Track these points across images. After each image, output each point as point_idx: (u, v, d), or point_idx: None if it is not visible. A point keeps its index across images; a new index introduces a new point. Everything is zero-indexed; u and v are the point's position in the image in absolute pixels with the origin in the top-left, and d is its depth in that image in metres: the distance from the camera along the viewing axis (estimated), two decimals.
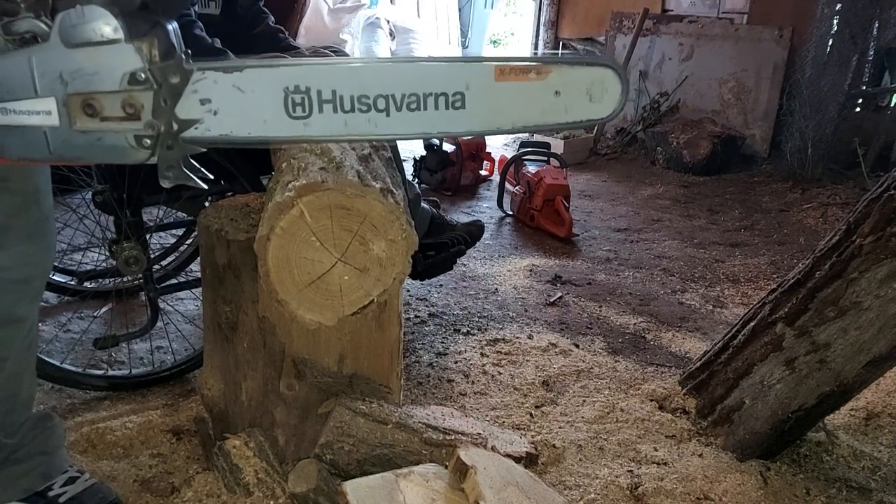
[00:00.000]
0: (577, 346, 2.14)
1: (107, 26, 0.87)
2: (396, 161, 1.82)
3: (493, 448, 1.34)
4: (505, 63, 0.99)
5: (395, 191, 1.21)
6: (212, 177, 1.02)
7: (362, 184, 1.10)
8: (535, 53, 6.11)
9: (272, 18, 1.90)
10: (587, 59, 1.05)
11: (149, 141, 0.93)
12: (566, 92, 1.00)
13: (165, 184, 0.98)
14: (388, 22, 5.67)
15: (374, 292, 1.17)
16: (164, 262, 2.17)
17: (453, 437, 1.32)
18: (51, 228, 1.14)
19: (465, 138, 4.23)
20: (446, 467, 1.20)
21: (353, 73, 0.98)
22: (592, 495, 1.41)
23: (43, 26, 0.88)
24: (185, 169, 0.96)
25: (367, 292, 1.17)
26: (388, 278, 1.16)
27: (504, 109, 1.01)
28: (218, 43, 1.51)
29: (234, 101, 0.95)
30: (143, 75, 0.89)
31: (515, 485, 1.16)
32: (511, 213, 3.61)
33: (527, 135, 5.93)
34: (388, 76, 0.98)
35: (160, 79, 0.91)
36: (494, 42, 9.33)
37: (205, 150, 0.99)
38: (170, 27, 0.94)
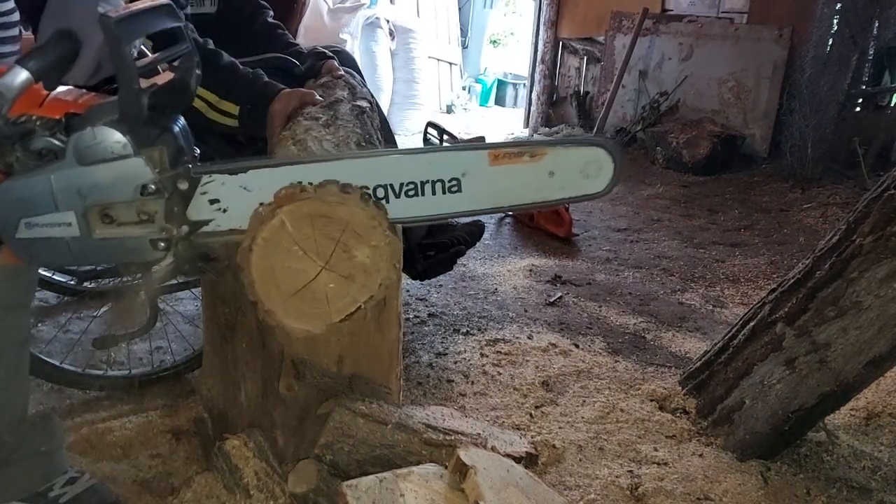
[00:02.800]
0: (576, 346, 2.14)
1: (117, 144, 0.92)
2: None
3: (492, 448, 1.34)
4: (499, 149, 1.02)
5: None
6: (225, 263, 1.08)
7: (342, 191, 1.09)
8: (536, 54, 6.11)
9: (271, 13, 1.88)
10: (580, 138, 1.10)
11: (163, 243, 0.98)
12: (560, 172, 1.03)
13: (181, 278, 1.03)
14: (388, 22, 5.66)
15: (360, 299, 1.16)
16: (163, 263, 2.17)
17: (453, 438, 1.32)
18: None
19: (465, 138, 4.23)
20: (446, 467, 1.20)
21: (352, 167, 1.02)
22: (592, 496, 1.41)
23: (58, 143, 0.93)
24: (201, 264, 1.04)
25: (354, 299, 1.16)
26: (374, 284, 1.15)
27: (500, 191, 1.04)
28: (210, 44, 1.50)
29: (241, 200, 1.00)
30: (153, 186, 0.95)
31: (515, 485, 1.16)
32: (510, 212, 3.61)
33: (526, 134, 5.93)
34: (386, 168, 1.02)
35: (170, 187, 0.96)
36: (494, 42, 9.32)
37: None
38: (177, 128, 1.00)
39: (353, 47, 5.11)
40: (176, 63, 1.02)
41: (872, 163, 4.27)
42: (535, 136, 5.53)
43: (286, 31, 1.87)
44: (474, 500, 1.09)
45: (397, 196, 1.02)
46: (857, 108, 4.61)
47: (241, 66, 1.50)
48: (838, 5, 4.33)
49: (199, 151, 1.06)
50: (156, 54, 1.00)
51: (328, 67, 1.73)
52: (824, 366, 1.47)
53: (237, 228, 1.02)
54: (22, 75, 0.85)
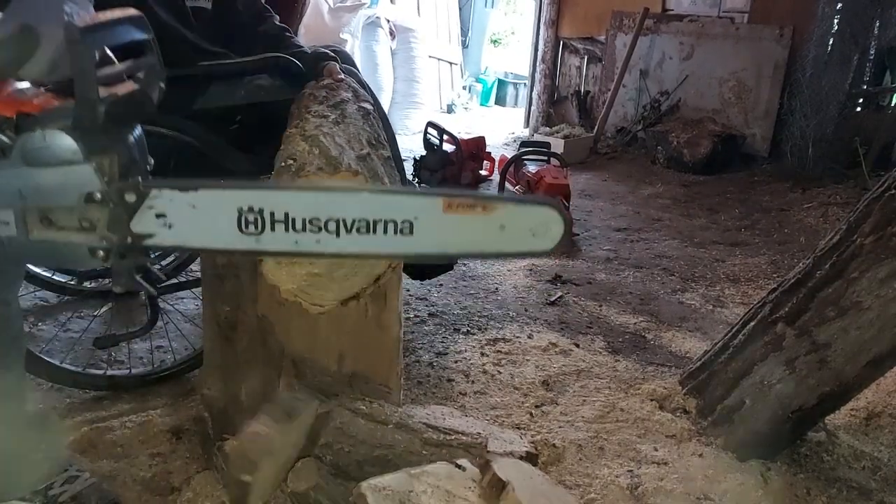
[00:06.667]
0: (577, 345, 2.14)
1: (66, 149, 0.90)
2: (396, 160, 1.82)
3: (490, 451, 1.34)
4: (452, 198, 1.03)
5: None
6: (164, 278, 1.06)
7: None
8: (536, 53, 6.11)
9: (277, 18, 1.90)
10: (531, 198, 1.11)
11: (102, 252, 0.95)
12: (510, 227, 1.04)
13: (117, 289, 1.01)
14: (389, 21, 5.66)
15: (370, 277, 1.20)
16: (164, 262, 2.17)
17: (453, 437, 1.32)
18: None
19: (465, 137, 4.23)
20: (456, 466, 1.21)
21: (306, 198, 1.00)
22: (592, 495, 1.41)
23: (6, 140, 0.91)
24: (138, 277, 0.99)
25: (364, 277, 1.20)
26: (384, 264, 1.21)
27: (450, 238, 1.05)
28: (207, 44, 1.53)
29: (188, 217, 0.97)
30: (99, 195, 0.91)
31: (542, 493, 1.16)
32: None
33: (527, 134, 5.93)
34: (339, 202, 1.01)
35: (116, 198, 0.93)
36: (495, 41, 9.32)
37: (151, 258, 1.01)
38: (132, 139, 0.97)
39: (354, 47, 5.11)
40: (140, 75, 1.00)
41: (873, 163, 4.26)
42: (536, 136, 5.53)
43: (292, 35, 1.88)
44: None
45: (348, 231, 1.01)
46: (858, 108, 4.60)
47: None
48: (839, 5, 4.32)
49: (152, 163, 1.05)
50: (119, 65, 0.98)
51: (329, 70, 1.73)
52: (824, 366, 1.46)
53: (179, 244, 1.01)
54: None
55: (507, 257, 1.23)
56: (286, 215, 0.98)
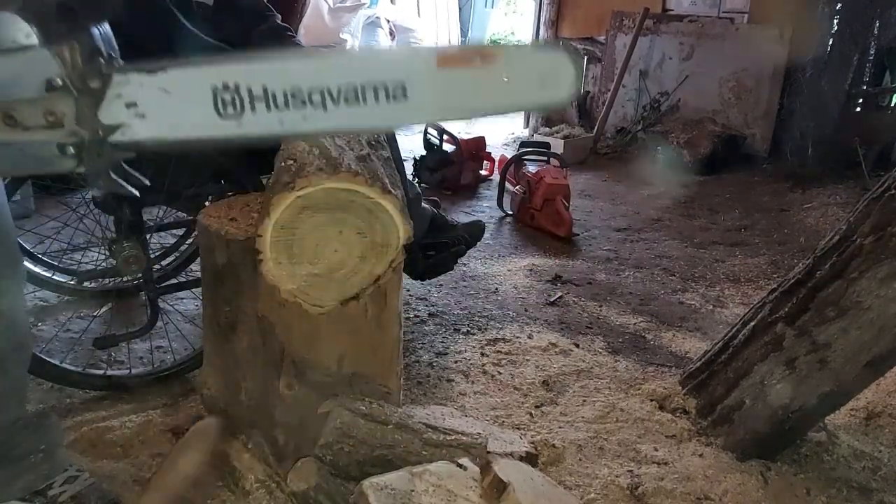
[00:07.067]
0: (577, 345, 2.14)
1: (19, 31, 0.85)
2: (396, 160, 1.82)
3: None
4: (447, 51, 0.96)
5: (392, 190, 1.22)
6: (147, 182, 1.00)
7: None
8: None
9: (278, 17, 1.90)
10: (536, 45, 1.03)
11: (73, 149, 0.89)
12: (515, 77, 0.95)
13: (96, 192, 0.94)
14: (389, 21, 5.67)
15: (371, 277, 1.23)
16: (164, 262, 2.17)
17: (453, 438, 1.32)
18: (4, 213, 1.14)
19: (465, 137, 4.23)
20: (457, 465, 1.21)
21: (283, 66, 0.93)
22: (592, 495, 1.41)
23: None
24: (115, 176, 0.93)
25: (365, 278, 1.21)
26: (384, 264, 1.23)
27: (449, 97, 0.96)
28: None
29: (160, 104, 0.90)
30: (59, 81, 0.85)
31: (543, 494, 1.16)
32: (511, 212, 3.61)
33: (527, 134, 5.93)
34: (321, 68, 0.92)
35: (79, 84, 0.86)
36: (495, 42, 9.33)
37: (133, 155, 0.94)
38: (96, 30, 0.91)
39: (354, 47, 5.11)
40: None
41: (873, 163, 4.26)
42: (536, 136, 5.53)
43: (293, 34, 1.89)
44: None
45: (335, 102, 0.91)
46: (858, 109, 4.60)
47: None
48: (839, 5, 4.33)
49: (122, 64, 0.96)
50: None
51: None
52: (824, 366, 1.46)
53: (156, 137, 0.92)
54: None
55: (515, 110, 1.13)
56: (265, 90, 0.90)
